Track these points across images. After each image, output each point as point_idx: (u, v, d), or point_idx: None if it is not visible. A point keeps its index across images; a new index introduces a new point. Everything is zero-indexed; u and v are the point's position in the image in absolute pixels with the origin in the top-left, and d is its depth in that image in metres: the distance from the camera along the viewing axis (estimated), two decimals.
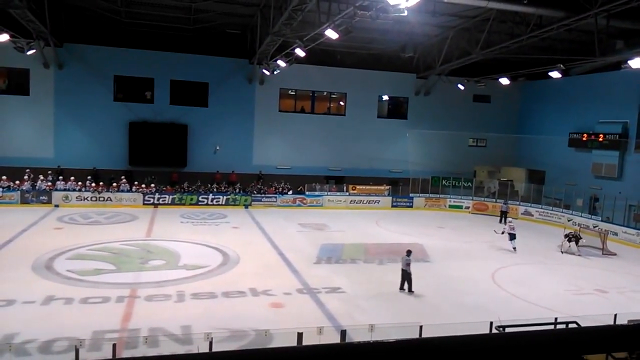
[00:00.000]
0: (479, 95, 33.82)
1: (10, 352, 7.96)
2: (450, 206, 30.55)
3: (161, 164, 28.57)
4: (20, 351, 8.95)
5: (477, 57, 25.23)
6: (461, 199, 30.60)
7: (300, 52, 23.31)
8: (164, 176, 28.31)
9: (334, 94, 32.93)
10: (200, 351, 6.86)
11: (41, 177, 26.04)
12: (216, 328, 9.92)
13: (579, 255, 19.62)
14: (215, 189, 28.34)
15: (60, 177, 26.38)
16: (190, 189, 27.89)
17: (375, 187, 30.58)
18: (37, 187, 25.63)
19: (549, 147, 31.06)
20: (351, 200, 29.73)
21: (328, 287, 13.99)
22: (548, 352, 5.25)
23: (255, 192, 28.73)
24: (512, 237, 20.10)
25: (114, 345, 7.15)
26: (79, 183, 26.24)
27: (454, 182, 31.22)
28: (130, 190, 26.83)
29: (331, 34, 19.00)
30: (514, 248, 19.91)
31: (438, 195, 30.91)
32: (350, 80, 31.68)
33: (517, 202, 28.83)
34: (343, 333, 8.00)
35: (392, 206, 30.24)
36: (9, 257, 15.66)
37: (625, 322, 8.92)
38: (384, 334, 7.44)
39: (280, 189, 29.33)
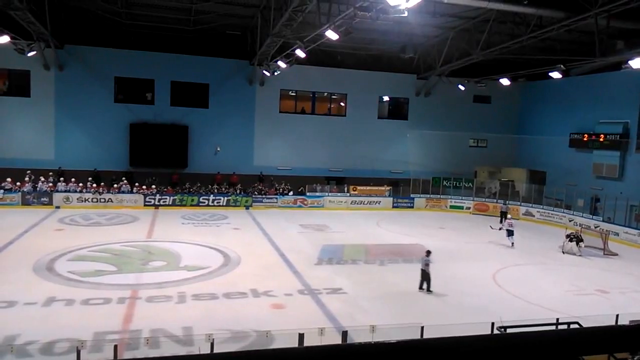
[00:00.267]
0: (479, 96, 33.86)
1: (12, 354, 7.97)
2: (451, 207, 30.54)
3: (162, 165, 28.59)
4: (21, 352, 8.96)
5: (477, 57, 25.25)
6: (462, 199, 30.59)
7: (300, 53, 23.34)
8: (164, 177, 28.32)
9: (334, 95, 32.95)
10: (202, 352, 6.87)
11: (42, 178, 26.04)
12: (217, 329, 9.93)
13: (579, 255, 19.59)
14: (216, 190, 28.35)
15: (61, 179, 26.41)
16: (191, 190, 27.89)
17: (376, 188, 30.57)
18: (38, 189, 25.63)
19: (549, 148, 31.06)
20: (352, 201, 29.72)
21: (329, 288, 13.99)
22: (549, 353, 5.25)
23: (256, 193, 28.73)
24: (510, 233, 20.47)
25: (115, 347, 7.15)
26: (80, 184, 26.26)
27: (454, 182, 31.21)
28: (131, 192, 26.84)
29: (331, 35, 19.02)
30: (512, 244, 20.28)
31: (439, 196, 30.90)
32: (350, 81, 31.70)
33: (518, 203, 28.82)
34: (344, 334, 7.98)
35: (393, 207, 30.23)
36: (10, 259, 15.67)
37: (626, 322, 8.92)
38: (386, 334, 7.43)
39: (281, 190, 29.33)
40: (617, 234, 22.84)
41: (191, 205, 27.18)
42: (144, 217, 24.04)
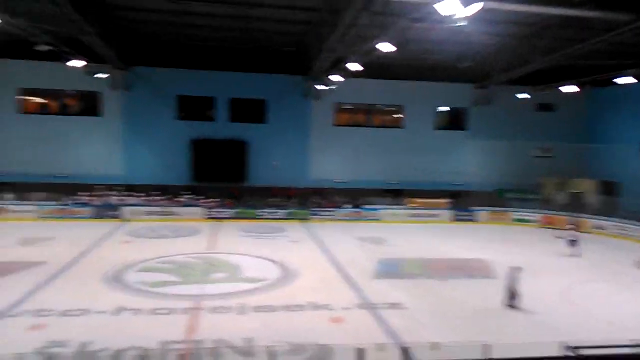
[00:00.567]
0: (542, 104, 32.43)
1: None
2: (516, 220, 29.30)
3: (222, 179, 29.44)
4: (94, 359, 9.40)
5: (538, 64, 24.28)
6: (527, 212, 29.27)
7: (354, 67, 23.39)
8: (225, 191, 29.13)
9: (390, 107, 32.75)
10: None
11: (112, 193, 27.58)
12: (277, 341, 9.97)
13: None
14: (274, 204, 28.79)
15: (129, 193, 27.82)
16: (250, 203, 28.50)
17: (435, 201, 29.91)
18: (108, 203, 27.14)
19: (622, 157, 29.17)
20: (410, 214, 29.22)
21: (388, 302, 13.75)
22: None
23: (312, 206, 28.91)
24: (575, 243, 19.59)
25: (180, 356, 7.34)
26: (147, 198, 27.58)
27: (519, 194, 29.95)
28: (193, 205, 27.81)
29: (386, 47, 18.93)
30: (578, 255, 19.45)
31: (502, 209, 29.76)
32: (407, 92, 31.40)
33: (589, 216, 27.21)
34: (405, 350, 7.79)
35: (453, 220, 29.43)
36: (83, 270, 16.59)
37: None
38: (449, 352, 7.18)
39: (338, 203, 29.33)
40: None
41: (250, 219, 27.75)
42: (205, 229, 24.79)
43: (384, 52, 19.47)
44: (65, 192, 27.25)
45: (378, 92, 31.21)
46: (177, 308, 12.73)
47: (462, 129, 32.64)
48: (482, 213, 29.72)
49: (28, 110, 28.88)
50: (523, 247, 22.75)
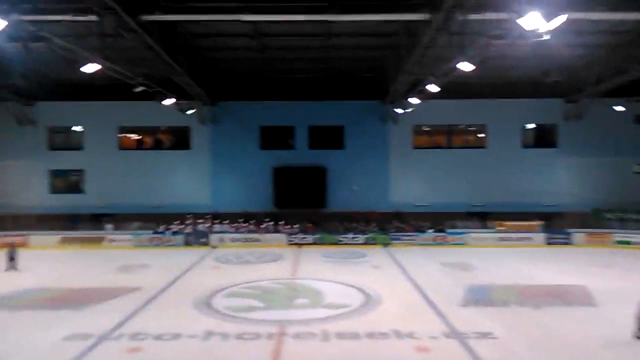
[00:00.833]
0: None
1: None
2: (618, 242, 26.89)
3: (303, 205, 29.98)
4: None
5: (635, 74, 22.47)
6: (630, 233, 26.76)
7: (433, 88, 23.06)
8: (305, 217, 29.59)
9: (472, 127, 31.79)
10: None
11: (200, 221, 29.06)
12: None
13: None
14: (354, 228, 28.75)
15: (217, 221, 29.13)
16: (330, 228, 28.68)
17: (526, 223, 28.25)
18: (197, 231, 28.59)
19: None
20: (498, 238, 27.82)
21: (477, 331, 13.02)
22: None
23: (393, 230, 28.48)
24: None
25: None
26: (232, 225, 28.73)
27: (619, 214, 27.52)
28: (276, 231, 28.51)
29: (465, 66, 18.49)
30: None
31: (601, 230, 27.46)
32: (489, 111, 30.39)
33: None
34: None
35: (546, 243, 27.59)
36: (174, 295, 17.44)
37: None
38: None
39: (419, 227, 28.66)
40: None
41: (331, 244, 27.87)
42: (287, 255, 25.22)
43: (463, 72, 19.04)
44: (158, 221, 29.10)
45: (458, 111, 30.48)
46: (262, 333, 12.94)
47: (552, 146, 30.83)
48: (579, 235, 27.62)
49: (125, 146, 31.49)
50: (627, 271, 20.74)
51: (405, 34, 21.06)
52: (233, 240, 28.20)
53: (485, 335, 12.80)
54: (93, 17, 16.40)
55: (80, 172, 31.02)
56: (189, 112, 28.62)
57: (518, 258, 24.08)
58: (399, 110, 28.83)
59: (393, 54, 24.69)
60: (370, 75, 29.94)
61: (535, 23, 12.39)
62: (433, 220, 29.15)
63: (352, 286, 18.25)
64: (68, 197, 30.64)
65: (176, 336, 12.73)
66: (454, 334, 12.91)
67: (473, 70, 18.66)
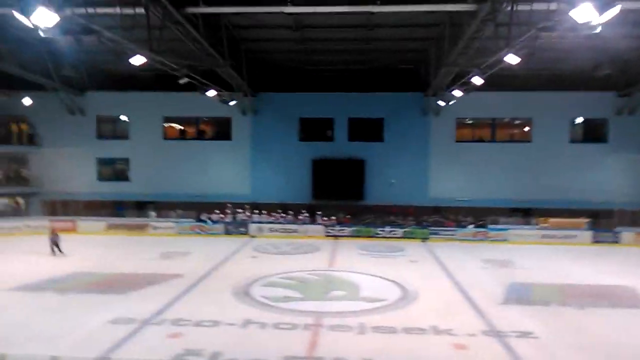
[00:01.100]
0: None
1: None
2: None
3: (341, 197, 29.99)
4: None
5: None
6: None
7: (477, 80, 22.45)
8: (343, 209, 29.59)
9: (517, 120, 30.87)
10: None
11: (240, 210, 29.56)
12: None
13: None
14: (392, 222, 28.55)
15: (256, 211, 29.56)
16: (367, 221, 28.59)
17: (571, 220, 27.27)
18: (237, 220, 29.12)
19: None
20: (542, 235, 26.98)
21: (517, 330, 12.73)
22: None
23: (432, 224, 28.10)
24: None
25: None
26: (270, 215, 29.09)
27: None
28: (313, 223, 28.67)
29: (511, 59, 17.88)
30: None
31: None
32: (535, 104, 29.37)
33: None
34: None
35: (593, 242, 26.58)
36: (214, 283, 17.86)
37: None
38: None
39: (460, 221, 28.16)
40: None
41: (368, 237, 27.78)
42: (324, 247, 25.34)
43: (508, 64, 18.45)
44: (199, 210, 29.78)
45: (502, 104, 29.63)
46: (299, 323, 13.08)
47: (602, 141, 29.55)
48: (628, 234, 26.44)
49: (169, 136, 32.30)
50: None
51: (449, 25, 20.58)
52: (271, 230, 28.56)
53: (525, 334, 12.50)
54: (140, 10, 16.85)
55: (126, 160, 32.09)
56: (231, 103, 29.05)
57: (562, 256, 23.34)
58: (441, 103, 28.29)
59: (436, 45, 24.21)
60: (412, 67, 29.47)
61: (588, 15, 11.82)
62: (473, 215, 28.56)
63: (389, 280, 18.18)
64: (114, 185, 31.78)
65: (215, 323, 13.04)
66: (493, 332, 12.68)
67: (519, 62, 18.06)
